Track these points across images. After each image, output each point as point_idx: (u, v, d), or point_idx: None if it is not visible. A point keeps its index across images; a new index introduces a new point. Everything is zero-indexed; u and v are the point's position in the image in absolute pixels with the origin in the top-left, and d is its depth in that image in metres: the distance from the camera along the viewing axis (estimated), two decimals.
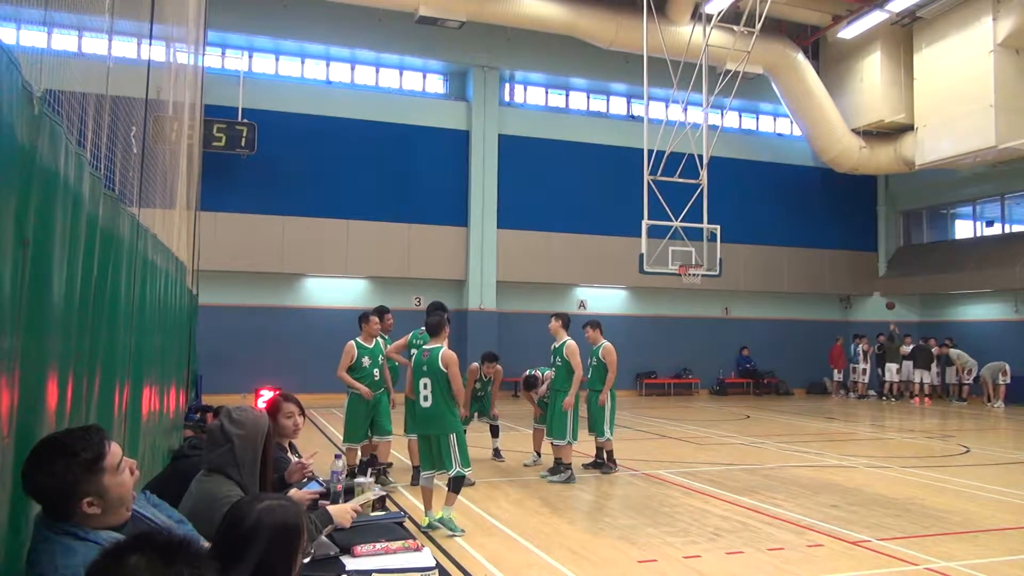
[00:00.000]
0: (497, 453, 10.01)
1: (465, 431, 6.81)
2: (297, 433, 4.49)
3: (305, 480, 4.12)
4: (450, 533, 6.23)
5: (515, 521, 6.82)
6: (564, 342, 8.78)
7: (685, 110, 17.16)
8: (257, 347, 17.55)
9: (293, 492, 3.70)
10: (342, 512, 3.54)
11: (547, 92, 21.41)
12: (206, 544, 2.02)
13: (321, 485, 4.24)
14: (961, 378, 20.06)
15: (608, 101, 21.89)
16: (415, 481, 8.41)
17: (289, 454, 4.45)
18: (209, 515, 2.32)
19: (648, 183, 16.28)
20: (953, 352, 20.02)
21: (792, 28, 20.44)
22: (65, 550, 1.97)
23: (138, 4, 4.32)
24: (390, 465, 9.21)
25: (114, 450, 2.10)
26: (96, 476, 2.03)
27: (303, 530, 2.19)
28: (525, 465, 9.58)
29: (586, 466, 9.30)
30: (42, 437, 2.01)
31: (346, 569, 3.36)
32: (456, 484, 6.50)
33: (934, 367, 20.49)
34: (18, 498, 2.02)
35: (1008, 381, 18.90)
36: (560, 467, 8.63)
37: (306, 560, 3.45)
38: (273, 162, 17.82)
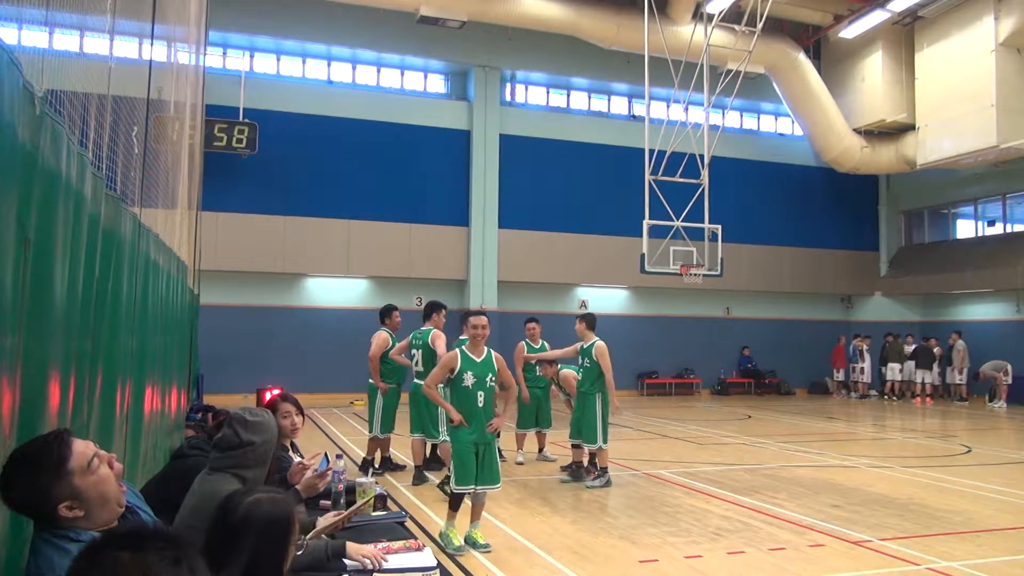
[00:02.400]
0: (499, 453, 10.01)
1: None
2: (296, 433, 4.48)
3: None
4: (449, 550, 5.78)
5: (516, 521, 6.82)
6: (593, 342, 8.58)
7: (686, 110, 17.15)
8: (258, 347, 17.56)
9: (308, 476, 3.74)
10: (359, 550, 3.37)
11: (548, 92, 21.40)
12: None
13: (327, 463, 4.24)
14: (954, 377, 20.12)
15: (609, 101, 21.88)
16: (416, 480, 8.44)
17: (291, 453, 4.45)
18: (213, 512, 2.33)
19: (649, 183, 16.27)
20: (960, 343, 19.99)
21: (793, 28, 20.44)
22: (62, 553, 1.97)
23: (139, 4, 4.32)
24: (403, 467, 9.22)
25: (81, 450, 2.03)
26: (65, 480, 1.98)
27: (293, 523, 2.18)
28: (517, 463, 9.58)
29: (564, 468, 9.14)
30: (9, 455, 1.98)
31: (347, 569, 3.36)
32: (452, 498, 6.06)
33: (936, 367, 20.51)
34: None
35: (1009, 381, 18.90)
36: (599, 472, 8.44)
37: (299, 553, 3.45)
38: (274, 162, 17.83)
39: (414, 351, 8.71)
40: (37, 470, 1.94)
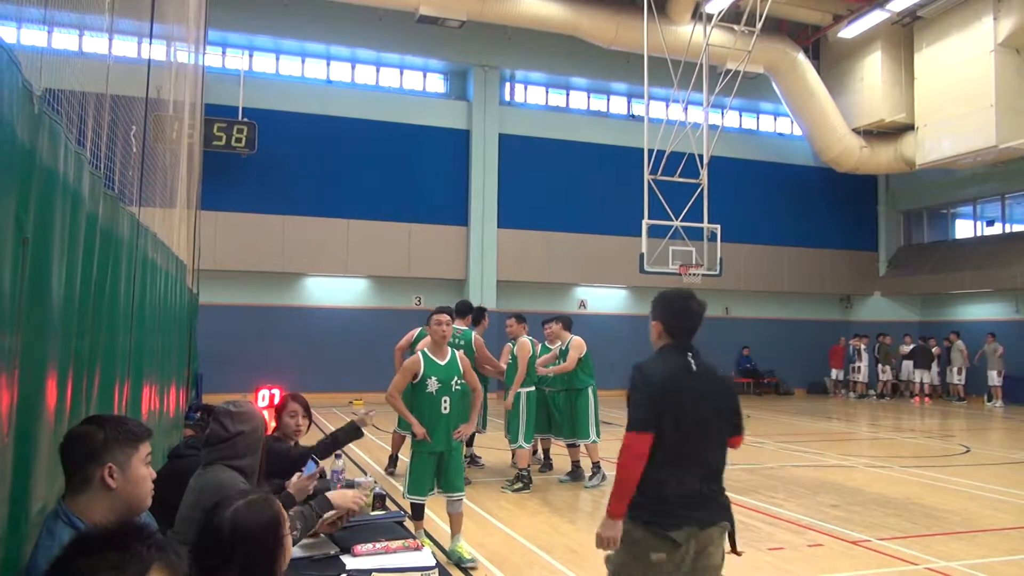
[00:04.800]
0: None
1: (428, 454, 5.54)
2: (299, 433, 4.46)
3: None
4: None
5: (515, 521, 6.82)
6: (570, 340, 8.73)
7: (685, 109, 17.15)
8: (258, 346, 17.54)
9: (293, 481, 3.69)
10: (342, 496, 3.49)
11: (547, 91, 21.40)
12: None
13: (317, 465, 4.24)
14: (953, 376, 20.19)
15: (608, 100, 21.88)
16: (390, 468, 8.82)
17: (313, 462, 4.37)
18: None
19: (648, 183, 16.28)
20: (959, 343, 20.05)
21: (793, 28, 20.44)
22: (61, 544, 1.97)
23: (138, 3, 4.31)
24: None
25: (149, 448, 2.28)
26: (129, 449, 2.18)
27: (279, 521, 2.19)
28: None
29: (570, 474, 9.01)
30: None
31: (346, 568, 3.36)
32: (412, 508, 5.61)
33: (934, 367, 20.56)
34: (18, 497, 2.02)
35: (1000, 382, 19.05)
36: (592, 468, 8.42)
37: (311, 557, 3.45)
38: (273, 161, 17.82)
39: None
40: (122, 426, 2.22)
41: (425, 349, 5.67)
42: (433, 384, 5.51)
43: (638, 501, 3.12)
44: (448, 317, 5.73)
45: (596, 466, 8.46)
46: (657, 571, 3.10)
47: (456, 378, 5.60)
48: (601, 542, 3.16)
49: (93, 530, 1.65)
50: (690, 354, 3.27)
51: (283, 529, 2.19)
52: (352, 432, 4.68)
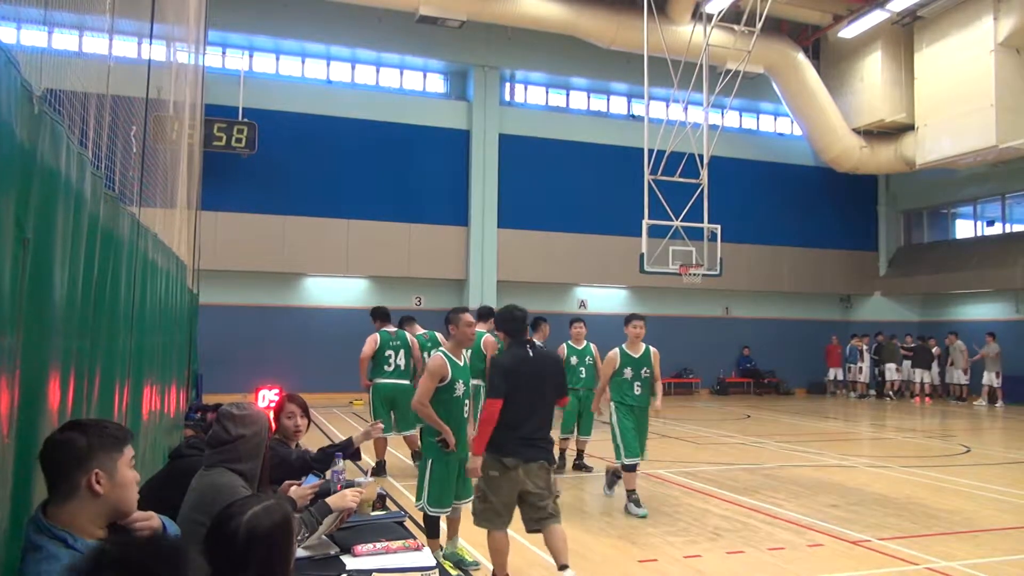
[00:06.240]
0: None
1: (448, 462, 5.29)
2: (299, 435, 4.45)
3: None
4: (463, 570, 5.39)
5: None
6: (647, 347, 8.23)
7: (686, 109, 17.14)
8: (258, 346, 17.55)
9: (293, 489, 3.69)
10: (340, 498, 3.49)
11: (547, 91, 21.40)
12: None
13: (319, 477, 4.24)
14: (954, 376, 20.19)
15: (608, 100, 21.88)
16: (376, 472, 8.60)
17: (337, 465, 4.35)
18: (214, 507, 2.32)
19: (649, 183, 16.26)
20: (958, 343, 20.05)
21: (793, 28, 20.45)
22: (49, 557, 1.96)
23: (139, 3, 4.31)
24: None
25: (132, 450, 2.22)
26: (114, 454, 2.13)
27: (291, 524, 2.21)
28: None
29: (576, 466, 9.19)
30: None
31: (346, 568, 3.36)
32: (426, 522, 5.41)
33: (935, 366, 20.56)
34: (19, 498, 2.02)
35: (999, 383, 19.05)
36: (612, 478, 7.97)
37: (312, 557, 3.46)
38: (274, 161, 17.82)
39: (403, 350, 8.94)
40: (103, 430, 2.15)
41: (445, 350, 5.34)
42: (460, 387, 5.26)
43: (491, 440, 4.79)
44: (473, 319, 5.49)
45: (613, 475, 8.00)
46: (495, 483, 4.81)
47: (470, 381, 5.47)
48: (468, 472, 5.02)
49: (120, 544, 1.61)
50: (528, 346, 4.96)
51: (294, 534, 2.21)
52: (343, 447, 4.54)
